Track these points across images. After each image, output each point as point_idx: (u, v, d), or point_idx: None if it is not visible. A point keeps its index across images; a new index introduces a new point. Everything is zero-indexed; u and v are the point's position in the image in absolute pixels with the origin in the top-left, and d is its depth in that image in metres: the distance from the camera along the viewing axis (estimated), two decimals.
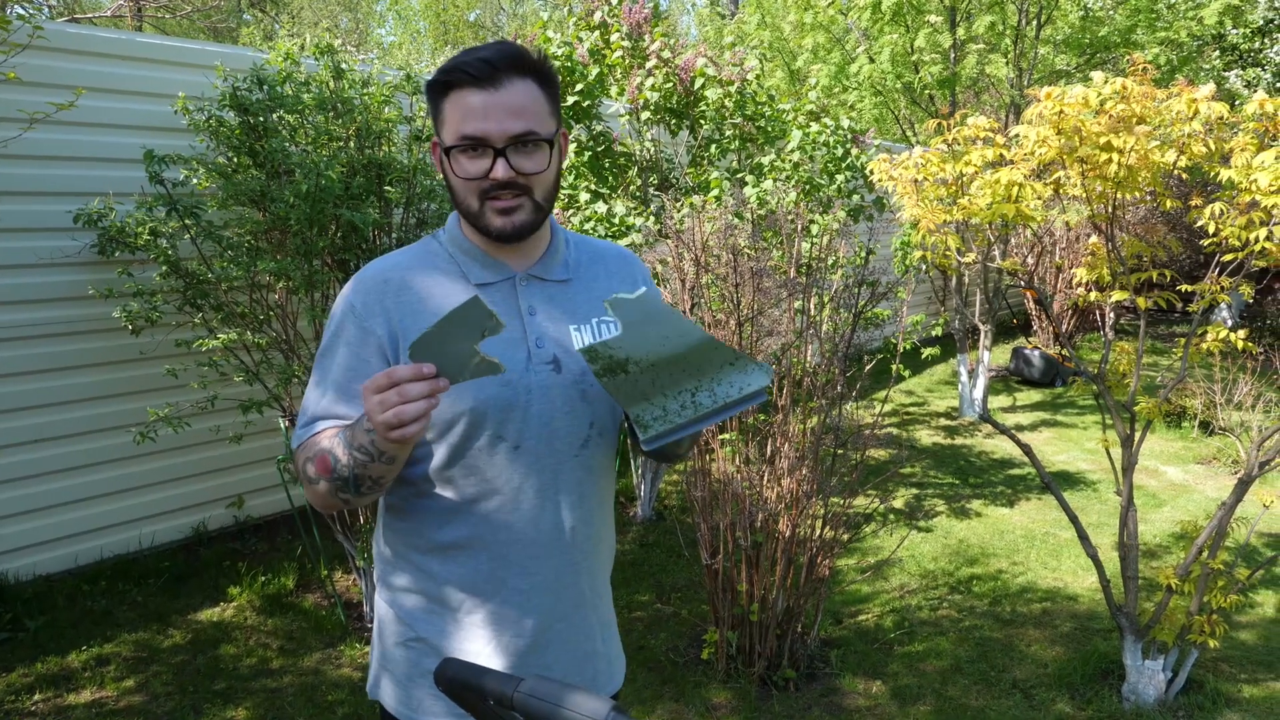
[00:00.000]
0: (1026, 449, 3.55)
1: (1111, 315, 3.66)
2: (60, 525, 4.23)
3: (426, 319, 1.42)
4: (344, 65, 4.07)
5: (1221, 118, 2.99)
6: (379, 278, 1.47)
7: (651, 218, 4.85)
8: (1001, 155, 3.39)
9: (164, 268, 3.84)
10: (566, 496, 1.50)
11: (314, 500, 1.43)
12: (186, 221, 3.80)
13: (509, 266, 1.50)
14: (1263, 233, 2.98)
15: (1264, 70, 13.46)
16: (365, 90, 4.07)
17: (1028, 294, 10.59)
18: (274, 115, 3.86)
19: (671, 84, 5.18)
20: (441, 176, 1.48)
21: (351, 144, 3.99)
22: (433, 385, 1.21)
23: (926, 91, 8.46)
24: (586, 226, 4.77)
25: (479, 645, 1.50)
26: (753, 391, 1.37)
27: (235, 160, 3.91)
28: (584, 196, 5.15)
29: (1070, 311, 10.12)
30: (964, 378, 8.13)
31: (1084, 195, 3.26)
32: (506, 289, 1.49)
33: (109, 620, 3.97)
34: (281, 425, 4.00)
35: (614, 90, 5.37)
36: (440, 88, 1.39)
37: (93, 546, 4.35)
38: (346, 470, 1.33)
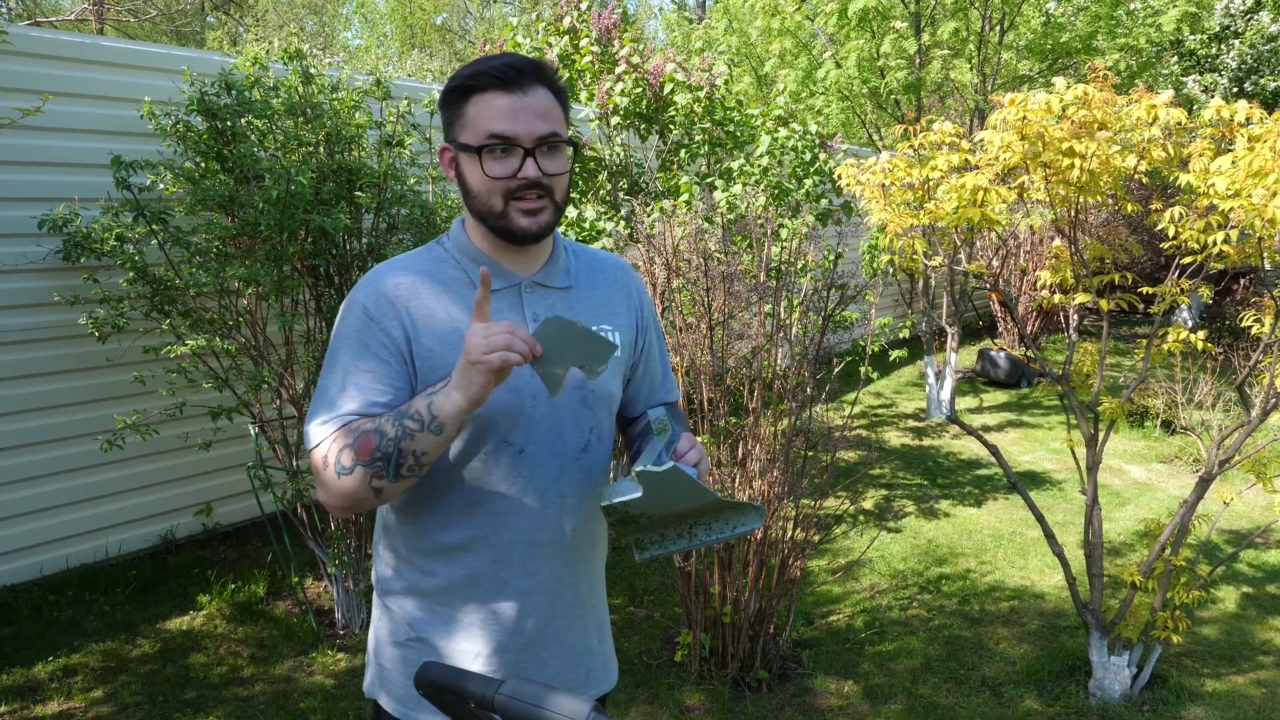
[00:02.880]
0: (993, 449, 3.60)
1: (1075, 317, 3.72)
2: (25, 535, 4.17)
3: (438, 323, 1.46)
4: (313, 70, 4.05)
5: (1180, 123, 3.05)
6: (389, 281, 1.48)
7: (622, 222, 4.86)
8: (967, 160, 3.44)
9: (131, 274, 3.81)
10: (568, 499, 1.54)
11: (334, 496, 1.40)
12: (154, 227, 3.76)
13: (514, 273, 1.53)
14: (1220, 236, 3.05)
15: (1221, 76, 13.71)
16: (335, 95, 4.06)
17: (993, 296, 10.72)
18: (242, 120, 3.84)
19: (641, 89, 5.20)
20: (454, 181, 1.50)
21: (321, 149, 3.97)
22: (534, 350, 1.29)
23: (892, 96, 8.55)
24: (557, 231, 4.78)
25: (478, 645, 1.53)
26: (745, 530, 1.51)
27: (203, 165, 3.88)
28: None
29: (1035, 313, 10.26)
30: (931, 379, 8.21)
31: (1047, 199, 3.32)
32: (512, 295, 1.52)
33: (76, 630, 3.92)
34: (251, 432, 3.98)
35: (584, 95, 5.38)
36: (461, 93, 1.43)
37: (58, 556, 4.29)
38: (391, 445, 1.34)
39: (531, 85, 1.42)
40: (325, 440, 1.41)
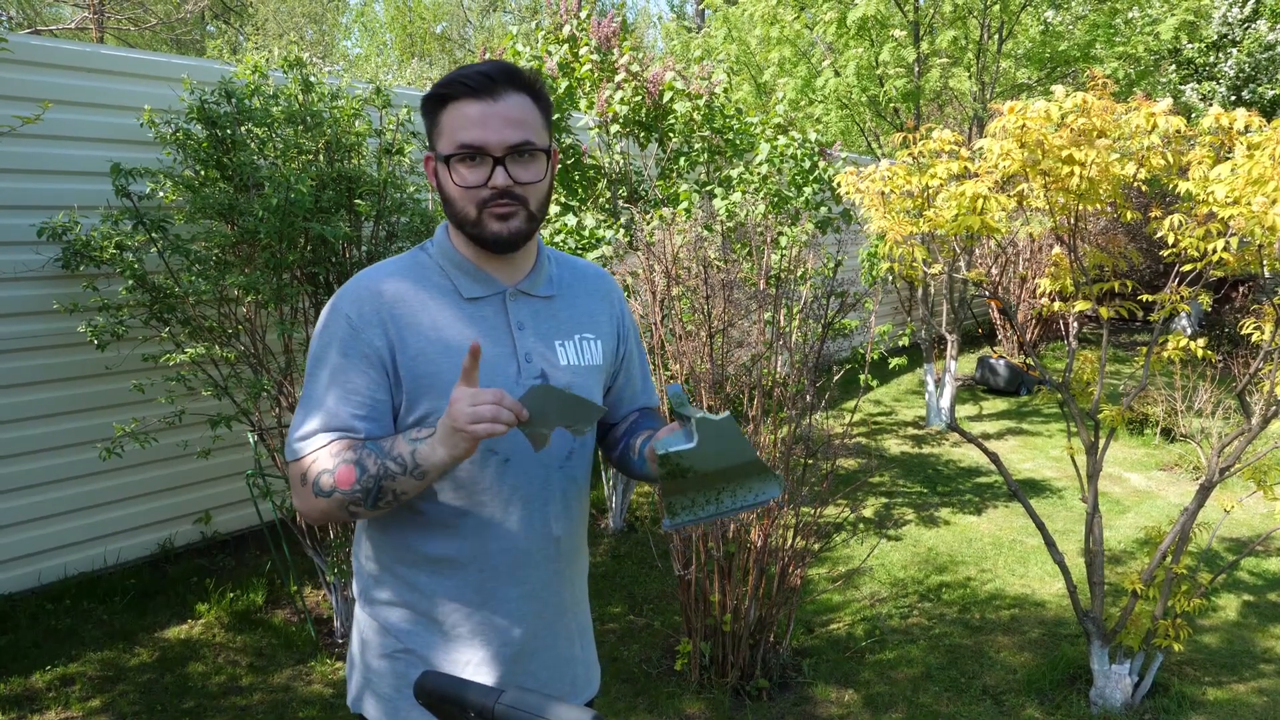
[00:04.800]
0: (994, 457, 3.60)
1: (1075, 324, 3.72)
2: (23, 543, 4.16)
3: (421, 331, 1.46)
4: (313, 78, 4.06)
5: (1179, 131, 3.06)
6: (373, 289, 1.47)
7: (621, 230, 4.86)
8: (966, 168, 3.44)
9: (130, 281, 3.80)
10: (553, 507, 1.54)
11: (310, 511, 1.42)
12: (153, 235, 3.76)
13: (498, 281, 1.52)
14: (1220, 243, 3.06)
15: (1219, 84, 13.74)
16: (334, 104, 4.06)
17: (992, 304, 10.73)
18: (242, 128, 3.84)
19: (640, 97, 5.21)
20: (435, 189, 1.50)
21: (321, 157, 3.97)
22: (520, 417, 1.30)
23: (891, 105, 8.56)
24: (557, 239, 4.78)
25: (467, 655, 1.52)
26: (765, 499, 1.50)
27: (203, 173, 3.88)
28: (553, 209, 5.17)
29: (1034, 321, 10.27)
30: (931, 387, 8.21)
31: (1047, 207, 3.32)
32: (496, 303, 1.52)
33: (74, 639, 3.91)
34: (251, 440, 3.97)
35: (583, 103, 5.39)
36: (437, 101, 1.43)
37: (56, 564, 4.28)
38: (371, 481, 1.36)
39: (504, 92, 1.41)
40: (306, 456, 1.42)
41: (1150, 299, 3.35)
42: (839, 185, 4.13)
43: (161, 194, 3.98)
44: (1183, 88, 13.76)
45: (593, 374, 1.59)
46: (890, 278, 7.31)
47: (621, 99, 5.15)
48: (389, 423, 1.47)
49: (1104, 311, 3.31)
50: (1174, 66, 14.05)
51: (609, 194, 5.43)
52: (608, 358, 1.64)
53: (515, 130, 1.41)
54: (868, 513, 5.83)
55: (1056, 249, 3.61)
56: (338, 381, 1.44)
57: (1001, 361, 9.55)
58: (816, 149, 5.61)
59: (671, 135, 5.41)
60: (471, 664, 1.52)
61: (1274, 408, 3.22)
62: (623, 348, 1.70)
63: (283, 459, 3.94)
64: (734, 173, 5.39)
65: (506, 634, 1.53)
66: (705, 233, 3.94)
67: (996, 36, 8.49)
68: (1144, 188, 3.27)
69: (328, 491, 1.38)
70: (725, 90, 5.59)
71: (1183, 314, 11.78)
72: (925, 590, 4.64)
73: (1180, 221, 3.15)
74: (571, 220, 4.82)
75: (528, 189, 1.44)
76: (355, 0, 28.43)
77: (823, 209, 5.73)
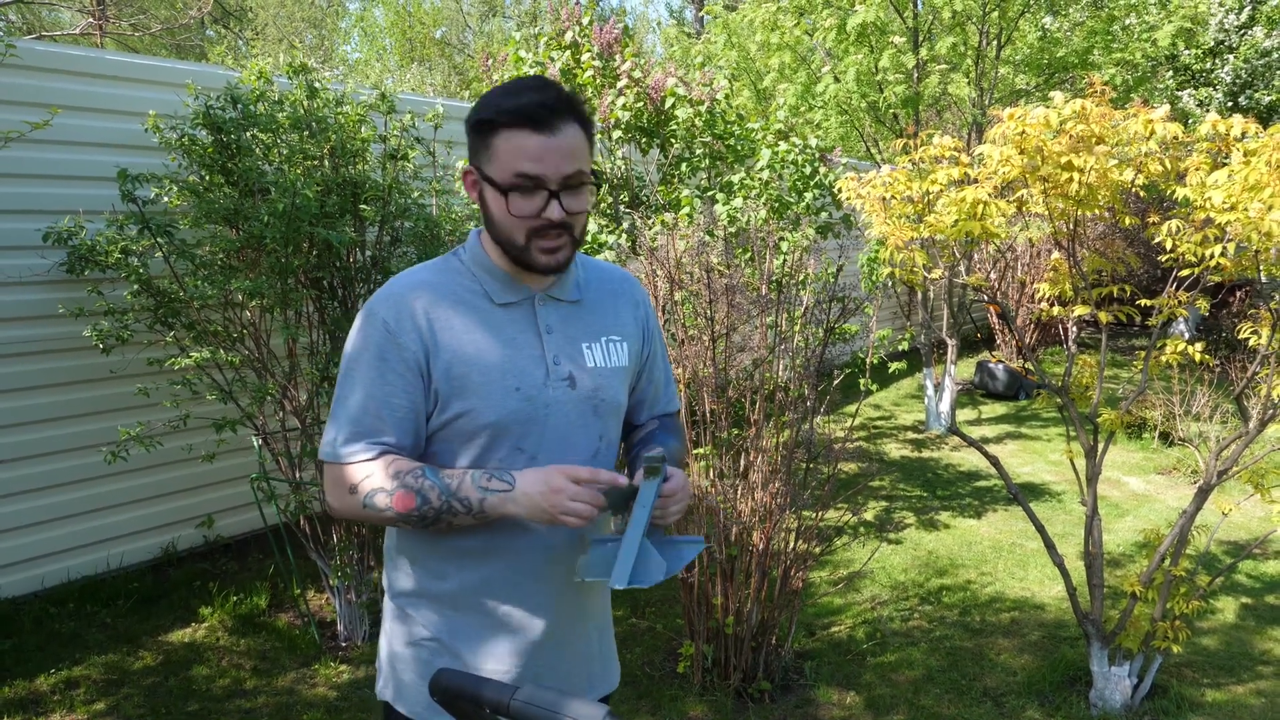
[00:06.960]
0: (994, 461, 3.62)
1: (1074, 329, 3.74)
2: (26, 547, 4.17)
3: (455, 334, 1.50)
4: (317, 84, 4.08)
5: (1176, 137, 3.08)
6: (408, 293, 1.51)
7: (624, 235, 4.89)
8: (966, 174, 3.47)
9: (135, 286, 3.82)
10: None
11: (347, 513, 1.50)
12: (159, 240, 3.78)
13: (528, 287, 1.57)
14: (1217, 249, 3.08)
15: (1215, 90, 13.80)
16: (339, 109, 4.08)
17: (992, 309, 10.76)
18: (247, 134, 3.86)
19: (642, 103, 5.23)
20: (475, 202, 1.53)
21: (326, 163, 4.00)
22: (596, 507, 1.42)
23: (891, 110, 8.59)
24: None
25: (490, 646, 1.56)
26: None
27: (208, 179, 3.90)
28: None
29: (1033, 326, 10.29)
30: (930, 391, 8.23)
31: (1046, 212, 3.34)
32: (526, 308, 1.56)
33: (77, 642, 3.93)
34: (255, 444, 3.99)
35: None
36: (490, 125, 1.44)
37: (59, 568, 4.30)
38: (432, 513, 1.44)
39: (562, 124, 1.43)
40: (352, 465, 1.48)
41: (1148, 304, 3.37)
42: (839, 191, 4.16)
43: (167, 199, 4.01)
44: (1180, 94, 13.82)
45: (618, 375, 1.63)
46: (890, 282, 7.34)
47: (624, 105, 5.17)
48: (422, 426, 1.52)
49: (1103, 316, 3.33)
50: (1171, 73, 14.11)
51: (611, 199, 5.46)
52: (633, 359, 1.68)
53: (570, 162, 1.44)
54: (868, 516, 5.85)
55: (1055, 254, 3.64)
56: (374, 386, 1.48)
57: (1000, 366, 9.58)
58: (817, 154, 5.63)
59: (673, 141, 5.44)
60: (494, 656, 1.56)
61: (1271, 411, 3.25)
62: (647, 349, 1.74)
63: (285, 463, 3.96)
64: (735, 178, 5.41)
65: (530, 627, 1.57)
66: (707, 238, 3.97)
67: (995, 43, 8.53)
68: (1142, 193, 3.30)
69: (380, 509, 1.44)
70: (726, 96, 5.61)
71: (1181, 319, 11.81)
72: (926, 593, 4.66)
73: (1178, 227, 3.17)
74: None
75: (576, 218, 1.48)
76: (355, 5, 28.50)
77: (823, 214, 5.75)
